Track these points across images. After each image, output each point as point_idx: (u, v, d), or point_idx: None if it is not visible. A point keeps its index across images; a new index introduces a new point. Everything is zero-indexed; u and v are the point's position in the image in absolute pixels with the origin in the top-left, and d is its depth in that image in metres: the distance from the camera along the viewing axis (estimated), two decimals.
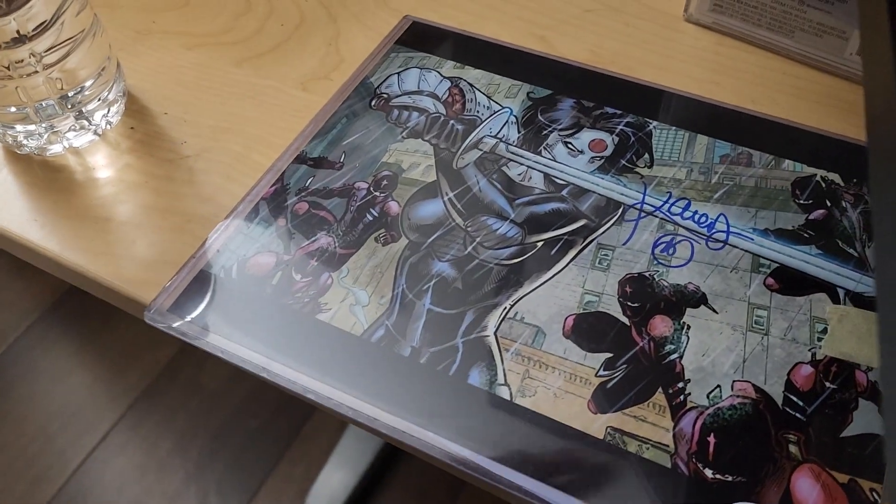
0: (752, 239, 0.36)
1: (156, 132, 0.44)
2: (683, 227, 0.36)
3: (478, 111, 0.42)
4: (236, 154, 0.42)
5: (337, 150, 0.41)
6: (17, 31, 0.37)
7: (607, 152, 0.40)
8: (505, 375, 0.32)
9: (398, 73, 0.44)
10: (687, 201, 0.37)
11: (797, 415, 0.30)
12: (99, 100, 0.42)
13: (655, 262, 0.35)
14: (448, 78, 0.44)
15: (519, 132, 0.41)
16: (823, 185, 0.38)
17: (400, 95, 0.43)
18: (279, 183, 0.39)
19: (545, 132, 0.41)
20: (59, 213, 0.40)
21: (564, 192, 0.38)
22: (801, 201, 0.37)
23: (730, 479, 0.28)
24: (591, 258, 0.35)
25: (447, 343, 0.33)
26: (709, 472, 0.29)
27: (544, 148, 0.40)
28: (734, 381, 0.31)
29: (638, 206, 0.37)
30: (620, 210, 0.37)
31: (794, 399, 0.30)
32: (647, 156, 0.39)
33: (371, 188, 0.39)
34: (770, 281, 0.34)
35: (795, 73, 0.45)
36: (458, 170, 0.39)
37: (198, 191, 0.41)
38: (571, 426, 0.30)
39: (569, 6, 0.49)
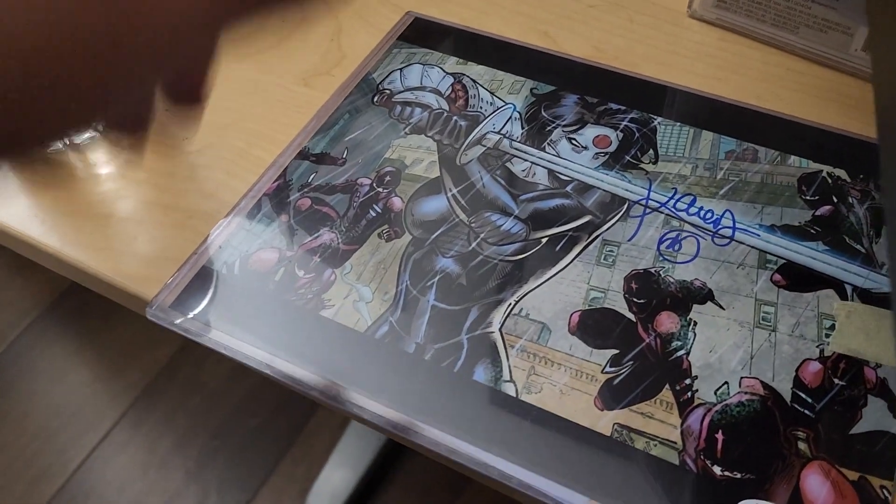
0: (759, 235, 0.35)
1: (157, 128, 0.44)
2: (689, 224, 0.36)
3: (481, 107, 0.42)
4: (238, 150, 0.42)
5: (339, 146, 0.40)
6: None
7: (612, 148, 0.39)
8: (510, 372, 0.31)
9: (400, 69, 0.44)
10: (692, 197, 0.37)
11: (806, 411, 0.30)
12: None
13: (661, 258, 0.35)
14: (451, 74, 0.44)
15: (522, 128, 0.41)
16: (830, 181, 0.37)
17: (402, 91, 0.43)
18: (282, 179, 0.39)
19: (549, 128, 0.41)
20: (60, 210, 0.40)
21: (569, 189, 0.38)
22: (808, 197, 0.37)
23: (738, 476, 0.28)
24: (596, 254, 0.35)
25: (452, 339, 0.33)
26: (717, 469, 0.28)
27: (548, 144, 0.40)
28: (742, 378, 0.31)
29: (643, 202, 0.37)
30: (625, 206, 0.37)
31: (803, 396, 0.30)
32: (651, 152, 0.39)
33: (374, 184, 0.39)
34: (777, 277, 0.34)
35: (800, 70, 0.44)
36: (462, 166, 0.39)
37: (200, 187, 0.40)
38: (578, 423, 0.30)
39: (572, 2, 0.49)
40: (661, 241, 0.35)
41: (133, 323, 1.10)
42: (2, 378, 1.07)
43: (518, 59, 0.44)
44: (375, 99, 0.43)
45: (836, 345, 0.32)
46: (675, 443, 0.29)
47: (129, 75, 0.23)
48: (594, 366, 0.31)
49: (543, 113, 0.41)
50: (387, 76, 0.44)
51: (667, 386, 0.31)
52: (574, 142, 0.40)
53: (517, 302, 0.34)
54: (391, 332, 0.33)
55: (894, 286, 0.28)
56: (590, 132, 0.40)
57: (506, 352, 0.32)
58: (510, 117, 0.41)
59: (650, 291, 0.34)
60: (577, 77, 0.43)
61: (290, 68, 0.46)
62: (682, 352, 0.32)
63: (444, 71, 0.44)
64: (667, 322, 0.33)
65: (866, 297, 0.33)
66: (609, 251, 0.35)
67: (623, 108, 0.41)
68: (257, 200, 0.38)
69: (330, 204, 0.38)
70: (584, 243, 0.36)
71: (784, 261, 0.34)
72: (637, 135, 0.40)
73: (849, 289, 0.33)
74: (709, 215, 0.36)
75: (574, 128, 0.41)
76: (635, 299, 0.33)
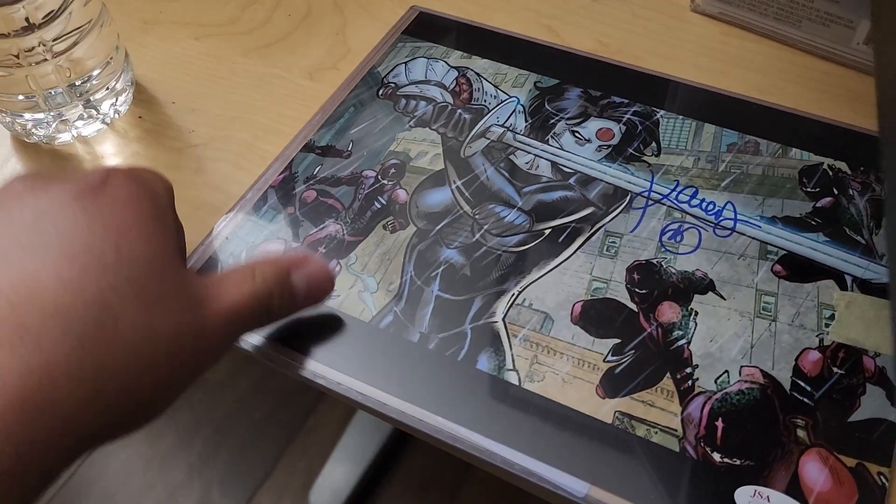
0: (760, 226, 0.36)
1: (164, 121, 0.44)
2: (691, 215, 0.36)
3: (485, 100, 0.42)
4: (244, 143, 0.42)
5: (345, 138, 0.41)
6: (27, 20, 0.37)
7: (615, 141, 0.40)
8: (513, 361, 0.32)
9: (405, 63, 0.45)
10: (694, 189, 0.37)
11: (805, 400, 0.30)
12: (107, 89, 0.42)
13: (663, 249, 0.35)
14: (455, 67, 0.44)
15: (526, 121, 0.41)
16: (830, 173, 0.38)
17: (407, 85, 0.43)
18: (287, 171, 0.39)
19: (552, 121, 0.41)
20: None
21: (572, 181, 0.38)
22: (809, 189, 0.37)
23: (738, 462, 0.29)
24: (598, 245, 0.35)
25: (455, 329, 0.33)
26: (717, 456, 0.29)
27: (552, 137, 0.40)
28: (742, 367, 0.31)
29: (645, 194, 0.37)
30: (628, 198, 0.37)
31: (802, 384, 0.31)
32: (654, 144, 0.40)
33: (379, 176, 0.39)
34: (778, 268, 0.34)
35: (802, 63, 0.45)
36: (466, 158, 0.40)
37: (206, 179, 0.41)
38: (580, 410, 0.30)
39: None
40: (663, 233, 0.36)
41: None
42: None
43: (522, 53, 0.45)
44: (380, 92, 0.43)
45: (836, 334, 0.32)
46: (676, 430, 0.29)
47: None
48: (596, 355, 0.32)
49: (547, 106, 0.42)
50: (391, 70, 0.44)
51: (668, 374, 0.31)
52: (577, 134, 0.40)
53: (520, 292, 0.34)
54: (395, 322, 0.33)
55: (892, 276, 0.28)
56: (593, 125, 0.41)
57: (509, 341, 0.32)
58: (514, 110, 0.42)
59: (652, 282, 0.34)
60: (580, 71, 0.44)
61: (296, 62, 0.47)
62: (683, 341, 0.32)
63: (448, 65, 0.44)
64: (668, 312, 0.33)
65: (866, 287, 0.33)
66: (612, 242, 0.36)
67: (626, 101, 0.42)
68: (263, 192, 0.39)
69: (335, 196, 0.38)
70: (587, 235, 0.36)
71: (785, 252, 0.35)
72: (640, 128, 0.40)
73: (849, 279, 0.34)
74: (710, 207, 0.37)
75: (577, 121, 0.41)
76: (637, 289, 0.34)
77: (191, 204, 0.39)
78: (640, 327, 0.33)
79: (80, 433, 0.23)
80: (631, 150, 0.39)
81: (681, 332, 0.32)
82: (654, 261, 0.35)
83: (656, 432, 0.29)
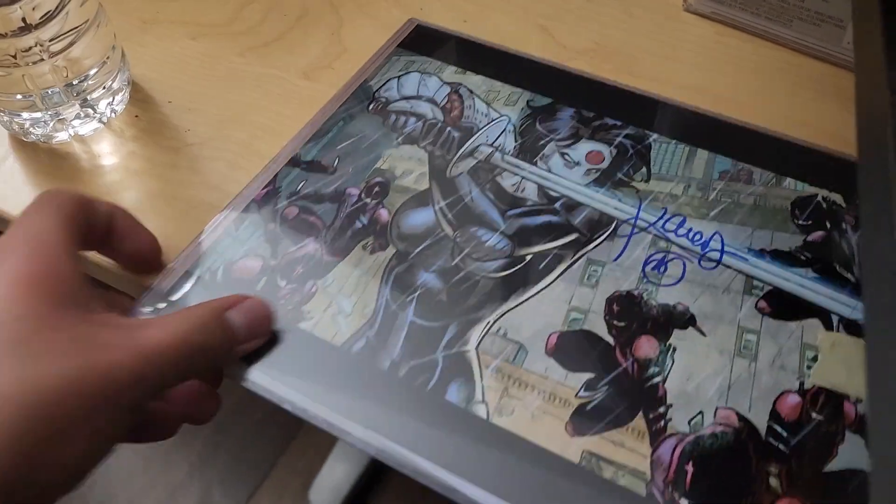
0: (747, 259, 0.35)
1: (160, 120, 0.44)
2: (677, 245, 0.36)
3: (476, 118, 0.42)
4: (241, 142, 0.42)
5: (331, 154, 0.40)
6: (24, 20, 0.37)
7: (604, 164, 0.39)
8: (483, 392, 0.31)
9: (398, 77, 0.44)
10: (682, 218, 0.37)
11: (780, 446, 0.29)
12: (104, 88, 0.42)
13: (645, 279, 0.34)
14: (448, 83, 0.43)
15: (516, 141, 0.40)
16: (824, 205, 0.37)
17: (398, 100, 0.43)
18: (271, 185, 0.39)
19: (542, 142, 0.40)
20: None
21: (557, 205, 0.37)
22: (801, 222, 0.36)
23: None
24: (580, 273, 0.35)
25: (427, 357, 0.32)
26: (684, 502, 0.28)
27: (540, 158, 0.39)
28: (718, 408, 0.30)
29: (632, 221, 0.37)
30: (613, 225, 0.36)
31: (778, 429, 0.30)
32: (644, 169, 0.39)
33: (362, 195, 0.38)
34: (762, 304, 0.33)
35: (794, 62, 0.45)
36: (452, 178, 0.39)
37: (202, 178, 0.41)
38: (547, 449, 0.29)
39: None
40: (646, 263, 0.35)
41: None
42: None
43: (517, 70, 0.44)
44: (371, 107, 0.43)
45: (818, 377, 0.31)
46: (644, 473, 0.29)
47: None
48: (568, 390, 0.31)
49: (538, 126, 0.41)
50: (384, 84, 0.44)
51: (640, 413, 0.30)
52: (567, 157, 0.39)
53: (496, 320, 0.33)
54: (367, 348, 0.33)
55: (867, 314, 0.26)
56: (583, 147, 0.40)
57: (480, 372, 0.32)
58: (504, 130, 0.41)
59: (631, 314, 0.33)
60: (574, 89, 0.43)
61: (292, 62, 0.47)
62: (658, 378, 0.31)
63: (441, 80, 0.44)
64: (646, 347, 0.32)
65: (852, 328, 0.32)
66: (593, 271, 0.35)
67: (619, 123, 0.41)
68: (245, 206, 0.38)
69: (317, 213, 0.38)
70: (569, 262, 0.35)
71: (771, 287, 0.34)
72: (631, 151, 0.39)
73: (835, 319, 0.33)
74: (697, 237, 0.36)
75: (568, 142, 0.40)
76: (616, 322, 0.33)
77: (186, 203, 0.39)
78: (616, 362, 0.32)
79: None
80: (620, 175, 0.38)
81: (657, 369, 0.31)
82: (636, 292, 0.34)
83: (623, 475, 0.29)
